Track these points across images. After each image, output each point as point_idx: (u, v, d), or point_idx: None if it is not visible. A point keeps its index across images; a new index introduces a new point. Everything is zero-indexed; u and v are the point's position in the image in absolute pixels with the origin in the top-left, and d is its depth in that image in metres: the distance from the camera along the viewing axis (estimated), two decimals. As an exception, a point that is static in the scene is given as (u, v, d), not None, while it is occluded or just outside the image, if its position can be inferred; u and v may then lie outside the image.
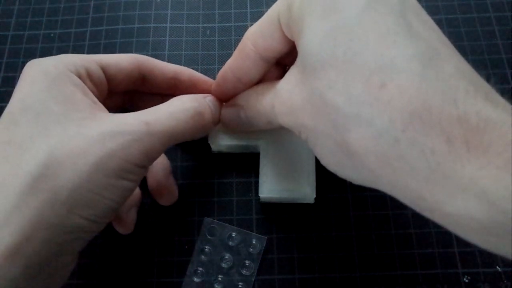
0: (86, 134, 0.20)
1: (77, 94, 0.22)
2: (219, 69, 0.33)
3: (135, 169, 0.21)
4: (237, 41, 0.34)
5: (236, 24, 0.35)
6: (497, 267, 0.27)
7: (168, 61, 0.33)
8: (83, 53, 0.34)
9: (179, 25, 0.35)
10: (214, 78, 0.33)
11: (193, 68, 0.33)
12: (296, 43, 0.20)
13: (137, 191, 0.27)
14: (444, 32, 0.37)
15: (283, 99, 0.21)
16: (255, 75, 0.24)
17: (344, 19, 0.17)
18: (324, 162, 0.20)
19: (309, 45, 0.18)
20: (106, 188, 0.20)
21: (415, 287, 0.26)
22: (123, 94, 0.28)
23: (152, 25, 0.35)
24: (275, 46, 0.22)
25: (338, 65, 0.17)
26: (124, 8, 0.36)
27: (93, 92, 0.23)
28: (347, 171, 0.19)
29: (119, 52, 0.34)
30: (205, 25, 0.35)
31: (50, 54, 0.34)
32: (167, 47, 0.34)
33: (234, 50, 0.34)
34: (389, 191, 0.18)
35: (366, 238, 0.28)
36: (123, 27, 0.35)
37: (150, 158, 0.22)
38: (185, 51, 0.34)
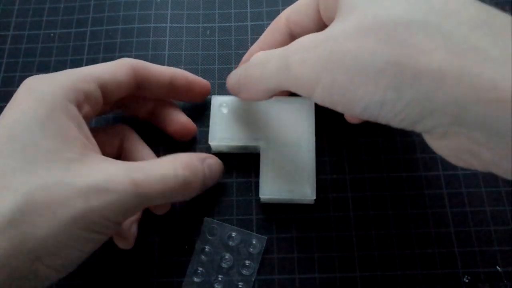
0: (71, 185, 0.19)
1: (71, 129, 0.21)
2: (219, 69, 0.33)
3: (112, 225, 0.21)
4: (237, 41, 0.34)
5: (236, 24, 0.35)
6: (497, 267, 0.27)
7: (168, 61, 0.33)
8: (83, 52, 0.34)
9: (179, 25, 0.35)
10: (214, 78, 0.33)
11: (193, 68, 0.33)
12: (335, 12, 0.20)
13: None
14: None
15: (309, 37, 0.20)
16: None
17: None
18: (361, 94, 0.18)
19: None
20: (79, 240, 0.20)
21: (415, 287, 0.26)
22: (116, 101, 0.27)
23: (152, 25, 0.35)
24: (306, 24, 0.22)
25: None
26: (124, 8, 0.36)
27: (89, 115, 0.23)
28: (390, 93, 0.17)
29: (119, 52, 0.34)
30: (205, 25, 0.35)
31: (50, 54, 0.34)
32: (167, 47, 0.34)
33: (234, 50, 0.34)
34: (453, 84, 0.16)
35: (366, 238, 0.28)
36: (123, 27, 0.35)
37: (129, 217, 0.22)
38: (185, 51, 0.34)
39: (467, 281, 0.26)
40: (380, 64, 0.17)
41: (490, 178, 0.29)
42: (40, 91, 0.21)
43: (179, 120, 0.29)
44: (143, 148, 0.27)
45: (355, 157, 0.30)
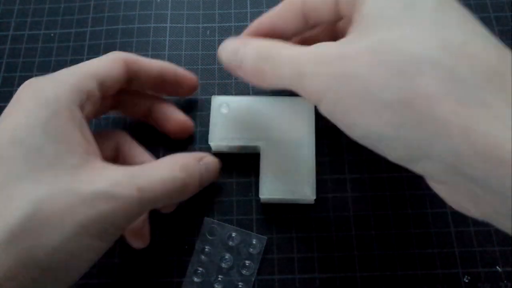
0: (77, 192, 0.19)
1: (74, 133, 0.20)
2: (219, 69, 0.33)
3: (117, 231, 0.21)
4: (237, 41, 0.34)
5: (236, 24, 0.35)
6: (497, 267, 0.27)
7: (168, 61, 0.33)
8: (83, 52, 0.34)
9: (179, 25, 0.35)
10: (214, 78, 0.33)
11: (193, 68, 0.33)
12: (352, 13, 0.20)
13: None
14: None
15: (324, 48, 0.19)
16: (290, 30, 0.23)
17: None
18: (362, 122, 0.18)
19: (374, 5, 0.18)
20: (87, 249, 0.19)
21: (415, 287, 0.26)
22: (110, 98, 0.27)
23: (152, 25, 0.35)
24: (322, 12, 0.22)
25: (415, 19, 0.17)
26: (124, 8, 0.36)
27: (89, 114, 0.22)
28: (397, 121, 0.17)
29: (119, 52, 0.34)
30: (205, 25, 0.35)
31: (50, 54, 0.34)
32: (167, 47, 0.34)
33: (234, 50, 0.34)
34: (456, 133, 0.16)
35: (366, 238, 0.28)
36: (123, 27, 0.35)
37: (132, 222, 0.22)
38: (185, 51, 0.34)
39: (467, 281, 0.26)
40: (387, 98, 0.17)
41: (490, 178, 0.29)
42: (43, 93, 0.20)
43: (176, 117, 0.29)
44: (140, 152, 0.26)
45: (355, 157, 0.30)
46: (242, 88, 0.32)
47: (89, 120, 0.23)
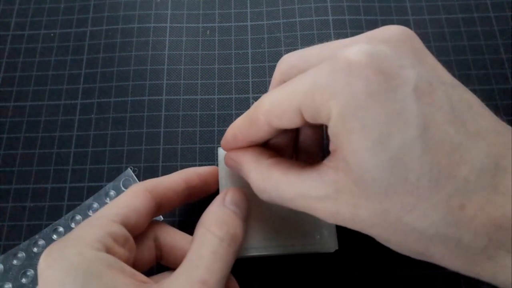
0: None
1: (117, 278, 0.19)
2: (219, 69, 0.33)
3: None
4: (237, 41, 0.34)
5: (236, 24, 0.35)
6: (497, 267, 0.27)
7: (168, 61, 0.33)
8: (83, 52, 0.34)
9: (179, 25, 0.35)
10: (214, 78, 0.33)
11: (193, 68, 0.33)
12: (333, 146, 0.19)
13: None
14: (444, 32, 0.37)
15: (337, 209, 0.19)
16: (267, 139, 0.23)
17: (407, 144, 0.17)
18: (395, 250, 0.20)
19: (369, 169, 0.17)
20: None
21: (415, 287, 0.26)
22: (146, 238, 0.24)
23: (152, 25, 0.35)
24: (291, 126, 0.21)
25: (414, 191, 0.17)
26: (124, 8, 0.36)
27: (125, 257, 0.21)
28: (421, 258, 0.19)
29: (119, 52, 0.34)
30: (205, 25, 0.35)
31: (50, 54, 0.34)
32: (167, 47, 0.34)
33: (234, 50, 0.34)
34: (471, 276, 0.18)
35: (366, 238, 0.28)
36: (123, 27, 0.35)
37: None
38: (185, 51, 0.34)
39: (467, 281, 0.26)
40: (407, 251, 0.19)
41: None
42: (65, 258, 0.19)
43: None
44: (179, 237, 0.25)
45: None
46: (242, 88, 0.32)
47: (127, 259, 0.22)
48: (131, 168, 0.30)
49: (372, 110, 0.17)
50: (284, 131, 0.23)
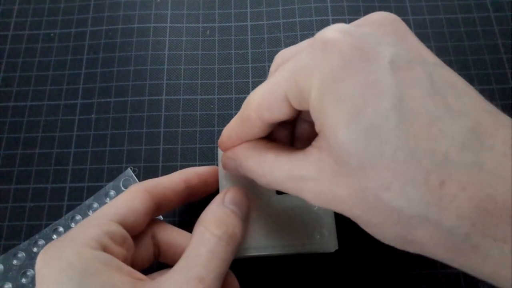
0: None
1: (113, 276, 0.19)
2: (219, 69, 0.33)
3: None
4: (237, 41, 0.34)
5: (236, 24, 0.35)
6: (497, 267, 0.27)
7: (168, 61, 0.33)
8: (83, 52, 0.34)
9: (179, 25, 0.35)
10: (214, 78, 0.33)
11: (193, 68, 0.33)
12: (317, 126, 0.19)
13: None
14: (444, 32, 0.37)
15: (321, 189, 0.19)
16: (261, 135, 0.23)
17: (381, 114, 0.16)
18: (377, 238, 0.19)
19: (346, 143, 0.17)
20: None
21: (415, 287, 0.26)
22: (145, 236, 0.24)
23: (152, 25, 0.35)
24: (283, 117, 0.21)
25: (390, 166, 0.16)
26: (124, 8, 0.36)
27: (122, 256, 0.21)
28: (405, 248, 0.18)
29: (119, 52, 0.34)
30: (205, 25, 0.35)
31: (50, 54, 0.34)
32: (167, 47, 0.34)
33: (234, 50, 0.34)
34: (456, 267, 0.17)
35: (366, 238, 0.28)
36: (123, 27, 0.35)
37: None
38: (185, 51, 0.34)
39: (467, 281, 0.26)
40: (388, 235, 0.18)
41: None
42: (63, 257, 0.19)
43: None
44: (177, 234, 0.25)
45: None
46: (242, 88, 0.32)
47: (125, 258, 0.22)
48: (131, 168, 0.30)
49: (347, 82, 0.17)
50: (280, 128, 0.23)
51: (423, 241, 0.17)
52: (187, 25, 0.35)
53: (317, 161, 0.19)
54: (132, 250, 0.22)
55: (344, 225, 0.28)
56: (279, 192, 0.26)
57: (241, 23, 0.35)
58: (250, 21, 0.35)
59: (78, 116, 0.32)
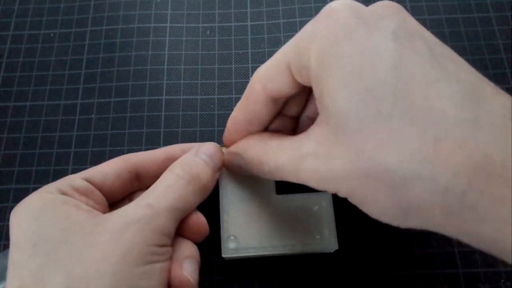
0: (98, 243, 0.19)
1: (70, 211, 0.21)
2: (219, 69, 0.33)
3: (158, 249, 0.20)
4: (237, 41, 0.34)
5: (236, 24, 0.35)
6: (497, 267, 0.27)
7: (168, 61, 0.33)
8: (83, 52, 0.34)
9: (179, 25, 0.35)
10: (214, 78, 0.33)
11: (193, 68, 0.33)
12: (317, 97, 0.19)
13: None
14: (444, 32, 0.37)
15: (317, 166, 0.18)
16: (266, 117, 0.23)
17: (380, 75, 0.16)
18: (374, 215, 0.18)
19: (343, 105, 0.17)
20: (141, 277, 0.19)
21: (415, 287, 0.26)
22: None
23: (152, 25, 0.35)
24: (285, 90, 0.21)
25: (386, 124, 0.16)
26: (124, 8, 0.36)
27: (86, 204, 0.22)
28: (401, 221, 0.18)
29: (119, 52, 0.34)
30: (205, 25, 0.35)
31: (50, 54, 0.34)
32: (167, 47, 0.34)
33: (234, 50, 0.34)
34: (453, 236, 0.17)
35: (366, 238, 0.28)
36: (123, 27, 0.35)
37: (167, 234, 0.21)
38: (185, 51, 0.34)
39: (467, 281, 0.26)
40: (385, 207, 0.17)
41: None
42: (25, 203, 0.21)
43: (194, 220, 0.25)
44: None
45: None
46: (242, 88, 0.32)
47: (94, 207, 0.23)
48: (131, 168, 0.30)
49: (347, 46, 0.17)
50: (283, 126, 0.24)
51: (418, 204, 0.16)
52: (187, 25, 0.35)
53: (317, 136, 0.19)
54: (104, 206, 0.23)
55: (344, 225, 0.28)
56: (279, 192, 0.26)
57: (241, 23, 0.35)
58: (250, 21, 0.35)
59: (78, 116, 0.32)
